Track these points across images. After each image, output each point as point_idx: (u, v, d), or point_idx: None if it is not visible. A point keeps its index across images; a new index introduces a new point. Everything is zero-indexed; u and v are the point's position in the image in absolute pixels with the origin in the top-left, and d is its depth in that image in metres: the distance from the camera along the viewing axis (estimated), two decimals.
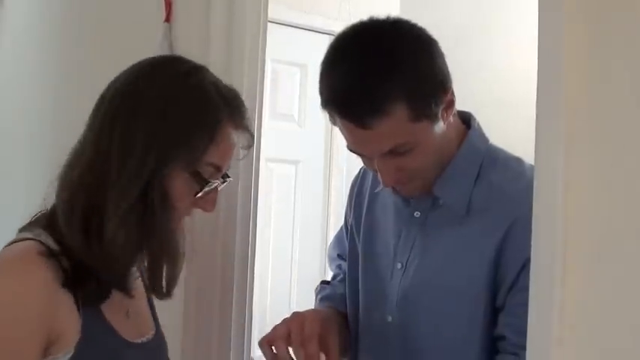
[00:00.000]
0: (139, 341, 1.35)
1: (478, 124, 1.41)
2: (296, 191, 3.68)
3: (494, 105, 3.21)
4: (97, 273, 1.24)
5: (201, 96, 1.28)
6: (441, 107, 1.28)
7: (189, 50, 1.86)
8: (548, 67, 0.89)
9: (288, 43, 3.48)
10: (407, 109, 1.22)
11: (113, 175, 1.23)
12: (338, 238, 1.71)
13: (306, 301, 3.54)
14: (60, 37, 2.58)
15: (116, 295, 1.29)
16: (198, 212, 1.51)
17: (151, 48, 1.86)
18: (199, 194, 1.28)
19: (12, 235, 1.33)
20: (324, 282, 1.72)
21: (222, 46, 1.79)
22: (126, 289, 1.30)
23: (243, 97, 1.74)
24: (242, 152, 1.38)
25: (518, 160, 1.38)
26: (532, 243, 0.91)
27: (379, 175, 1.30)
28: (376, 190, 1.51)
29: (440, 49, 1.30)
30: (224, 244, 1.74)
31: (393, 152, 1.26)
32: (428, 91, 1.26)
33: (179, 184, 1.26)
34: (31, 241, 1.24)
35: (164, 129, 1.24)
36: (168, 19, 1.91)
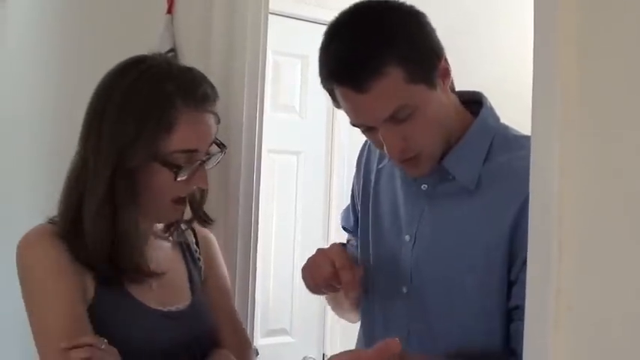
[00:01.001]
0: (165, 309, 1.41)
1: (490, 103, 1.45)
2: (298, 181, 3.68)
3: (500, 94, 3.21)
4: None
5: (152, 91, 1.35)
6: (437, 74, 1.32)
7: (191, 42, 1.87)
8: (543, 54, 0.91)
9: (289, 35, 3.48)
10: (402, 72, 1.27)
11: (89, 179, 1.36)
12: (346, 210, 1.73)
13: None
14: (62, 31, 2.59)
15: None
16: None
17: (153, 40, 1.87)
18: (178, 179, 1.36)
19: (14, 231, 1.38)
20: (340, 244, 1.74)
21: (223, 37, 1.80)
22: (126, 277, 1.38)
23: (245, 89, 1.77)
24: (214, 128, 1.42)
25: (530, 138, 1.39)
26: (529, 228, 0.92)
27: (385, 147, 1.33)
28: (380, 166, 1.53)
29: (429, 22, 1.35)
30: (227, 234, 1.76)
31: (394, 118, 1.29)
32: (421, 55, 1.31)
33: (155, 175, 1.36)
34: (46, 225, 1.39)
35: (122, 128, 1.34)
36: (170, 11, 1.92)
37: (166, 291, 1.44)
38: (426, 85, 1.31)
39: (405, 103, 1.29)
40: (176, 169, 1.35)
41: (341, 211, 1.74)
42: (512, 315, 1.33)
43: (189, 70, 1.43)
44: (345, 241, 1.71)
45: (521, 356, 0.94)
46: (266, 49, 1.82)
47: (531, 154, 0.93)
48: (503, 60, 3.61)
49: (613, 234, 0.84)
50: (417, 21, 1.34)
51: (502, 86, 3.37)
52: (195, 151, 1.38)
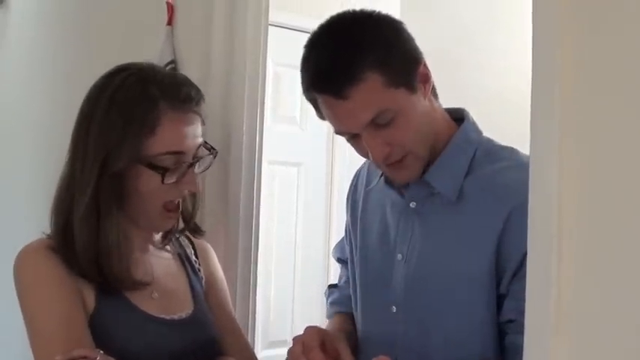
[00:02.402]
0: (168, 317, 1.41)
1: (472, 118, 1.45)
2: (298, 193, 3.68)
3: (494, 104, 3.21)
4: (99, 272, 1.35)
5: (136, 94, 1.37)
6: (417, 79, 1.33)
7: (191, 53, 1.88)
8: (542, 62, 0.91)
9: (289, 46, 3.49)
10: (380, 76, 1.28)
11: (77, 185, 1.37)
12: (340, 242, 1.73)
13: (308, 301, 3.54)
14: (63, 40, 2.60)
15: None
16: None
17: (154, 51, 1.87)
18: (166, 181, 1.36)
19: (16, 233, 1.37)
20: (332, 285, 1.74)
21: (223, 48, 1.80)
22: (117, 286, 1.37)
23: (245, 100, 1.77)
24: (199, 129, 1.42)
25: (512, 150, 1.41)
26: (528, 234, 0.92)
27: (369, 153, 1.33)
28: (368, 188, 1.54)
29: (407, 29, 1.36)
30: (227, 246, 1.75)
31: (376, 124, 1.30)
32: (399, 59, 1.32)
33: (141, 178, 1.36)
34: (43, 239, 1.39)
35: (107, 131, 1.35)
36: (170, 23, 1.92)
37: (168, 299, 1.44)
38: (406, 89, 1.31)
39: (386, 108, 1.29)
40: (162, 171, 1.36)
41: (341, 221, 1.73)
42: (504, 328, 1.32)
43: (174, 74, 1.45)
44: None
45: None
46: (266, 60, 1.82)
47: (531, 158, 0.94)
48: (502, 71, 3.62)
49: (613, 237, 0.85)
50: (393, 27, 1.35)
51: (501, 97, 3.38)
52: (181, 153, 1.38)
